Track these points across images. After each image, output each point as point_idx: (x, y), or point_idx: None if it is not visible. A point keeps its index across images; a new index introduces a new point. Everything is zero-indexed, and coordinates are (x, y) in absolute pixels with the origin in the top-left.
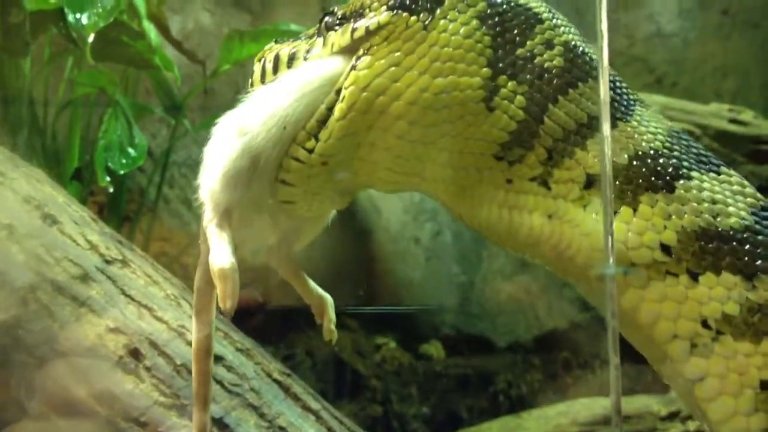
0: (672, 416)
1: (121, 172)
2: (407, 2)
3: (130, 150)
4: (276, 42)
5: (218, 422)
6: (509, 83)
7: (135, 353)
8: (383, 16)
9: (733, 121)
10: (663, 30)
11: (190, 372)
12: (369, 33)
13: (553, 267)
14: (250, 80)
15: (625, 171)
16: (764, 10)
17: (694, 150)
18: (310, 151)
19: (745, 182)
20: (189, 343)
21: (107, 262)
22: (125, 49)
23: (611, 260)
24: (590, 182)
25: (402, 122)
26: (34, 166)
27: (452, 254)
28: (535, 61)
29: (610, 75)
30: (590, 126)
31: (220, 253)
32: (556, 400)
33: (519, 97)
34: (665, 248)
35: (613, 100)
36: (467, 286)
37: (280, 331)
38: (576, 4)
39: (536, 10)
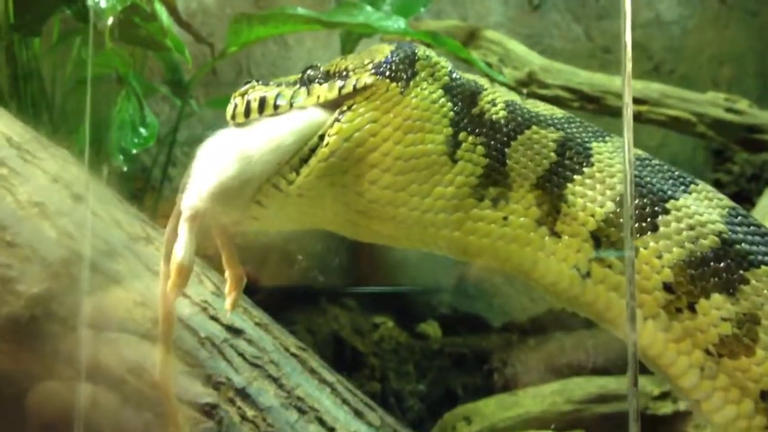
0: (664, 396)
1: (134, 151)
2: (387, 72)
3: (142, 130)
4: (258, 82)
5: (240, 392)
6: (469, 138)
7: None
8: (369, 79)
9: (729, 110)
10: (662, 17)
11: (214, 345)
12: (356, 91)
13: (593, 318)
14: (230, 112)
15: (618, 218)
16: (761, 0)
17: (661, 172)
18: (290, 183)
19: (713, 192)
20: (212, 318)
21: (132, 239)
22: (138, 31)
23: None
24: (597, 240)
25: (376, 170)
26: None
27: None
28: (485, 116)
29: (564, 117)
30: (558, 174)
31: (184, 250)
32: (551, 379)
33: (479, 147)
34: (667, 287)
35: (565, 142)
36: (463, 266)
37: (280, 310)
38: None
39: (480, 82)
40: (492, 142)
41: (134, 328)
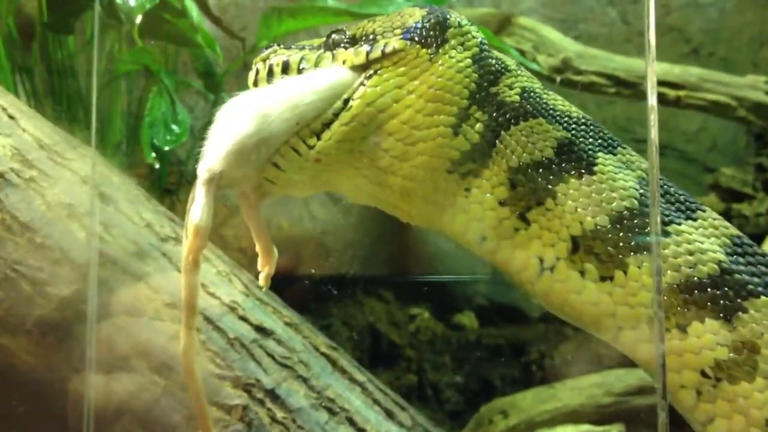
0: None
1: (166, 148)
2: (417, 37)
3: (174, 127)
4: (279, 46)
5: (270, 393)
6: (477, 113)
7: None
8: (398, 43)
9: None
10: None
11: (243, 345)
12: (384, 56)
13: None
14: (252, 78)
15: (609, 233)
16: None
17: (669, 194)
18: (311, 147)
19: (718, 220)
20: (241, 318)
21: (162, 239)
22: (169, 28)
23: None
24: (576, 245)
25: (391, 138)
26: (77, 137)
27: None
28: (498, 97)
29: (578, 118)
30: (550, 170)
31: (202, 211)
32: (590, 371)
33: (479, 125)
34: None
35: (569, 145)
36: None
37: (317, 301)
38: None
39: (507, 62)
40: (493, 124)
41: (163, 328)
